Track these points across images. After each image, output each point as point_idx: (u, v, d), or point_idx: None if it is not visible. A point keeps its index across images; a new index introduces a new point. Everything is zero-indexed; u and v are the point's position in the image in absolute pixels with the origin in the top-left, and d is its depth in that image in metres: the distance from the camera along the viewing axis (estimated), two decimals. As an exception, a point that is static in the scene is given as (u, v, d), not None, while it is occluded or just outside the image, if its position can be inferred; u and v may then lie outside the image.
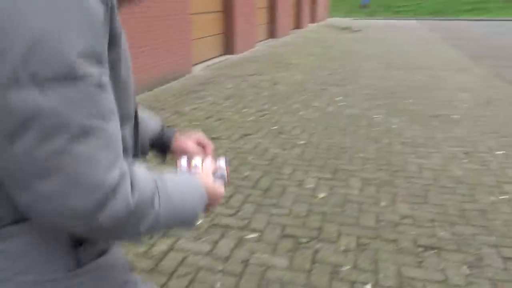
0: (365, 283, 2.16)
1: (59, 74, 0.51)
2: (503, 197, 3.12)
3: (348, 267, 2.29)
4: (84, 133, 0.53)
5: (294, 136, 4.42)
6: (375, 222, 2.75)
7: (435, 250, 2.45)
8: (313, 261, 2.34)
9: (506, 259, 2.38)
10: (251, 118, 5.00)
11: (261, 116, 5.09)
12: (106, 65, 0.57)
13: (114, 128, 0.58)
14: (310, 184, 3.30)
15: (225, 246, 2.48)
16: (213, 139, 4.24)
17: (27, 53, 0.49)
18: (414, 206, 2.96)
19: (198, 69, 7.97)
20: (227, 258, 2.36)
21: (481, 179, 3.42)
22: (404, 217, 2.82)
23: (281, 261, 2.34)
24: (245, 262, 2.32)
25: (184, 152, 1.03)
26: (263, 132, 4.52)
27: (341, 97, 6.14)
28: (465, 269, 2.29)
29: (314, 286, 2.14)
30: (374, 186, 3.28)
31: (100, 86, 0.55)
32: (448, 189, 3.24)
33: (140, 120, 0.89)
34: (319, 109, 5.50)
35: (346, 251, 2.44)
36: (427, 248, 2.48)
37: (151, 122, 1.04)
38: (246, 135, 4.42)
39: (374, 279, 2.19)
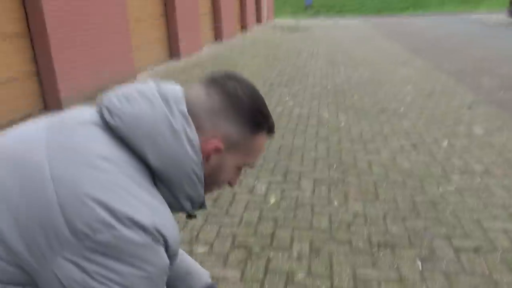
0: (321, 290, 2.08)
1: None
2: (450, 187, 3.16)
3: (302, 274, 2.20)
4: None
5: (243, 139, 4.31)
6: (328, 223, 2.69)
7: (389, 247, 2.42)
8: (266, 271, 2.23)
9: (457, 250, 2.38)
10: (198, 124, 4.84)
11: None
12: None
13: None
14: (261, 189, 3.20)
15: (172, 263, 2.32)
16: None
17: None
18: (366, 204, 2.93)
19: (142, 77, 7.70)
20: (175, 277, 2.21)
21: (429, 170, 3.46)
22: (356, 215, 2.78)
23: (233, 273, 2.22)
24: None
25: None
26: (211, 138, 4.38)
27: (289, 97, 6.11)
28: (418, 264, 2.26)
29: (268, 298, 2.03)
30: (326, 186, 3.22)
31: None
32: (398, 183, 3.24)
33: (189, 270, 1.16)
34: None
35: (300, 257, 2.35)
36: (380, 246, 2.44)
37: (200, 274, 1.18)
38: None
39: (329, 284, 2.12)
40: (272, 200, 3.00)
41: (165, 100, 0.77)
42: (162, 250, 0.73)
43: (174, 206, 0.82)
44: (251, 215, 2.80)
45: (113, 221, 0.65)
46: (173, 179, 0.77)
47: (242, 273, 2.21)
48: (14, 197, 0.68)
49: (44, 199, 0.66)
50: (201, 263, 2.29)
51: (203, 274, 1.19)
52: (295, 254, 2.37)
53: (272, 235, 2.57)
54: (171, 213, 0.78)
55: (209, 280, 1.19)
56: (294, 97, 6.12)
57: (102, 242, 0.65)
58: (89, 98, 5.87)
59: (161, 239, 0.72)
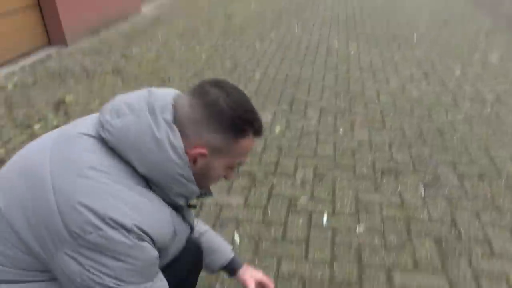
0: (322, 213, 2.11)
1: None
2: (459, 115, 3.10)
3: (305, 199, 2.23)
4: None
5: (249, 70, 4.22)
6: (333, 151, 2.68)
7: (393, 174, 2.42)
8: (270, 197, 2.26)
9: (461, 176, 2.38)
10: (204, 56, 4.74)
11: (214, 51, 4.84)
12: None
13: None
14: (266, 118, 3.17)
15: (177, 189, 2.36)
16: (164, 80, 4.00)
17: None
18: (372, 132, 2.90)
19: (147, 8, 7.46)
20: (180, 202, 2.26)
21: (439, 99, 3.38)
22: (362, 143, 2.76)
23: (236, 199, 2.26)
24: (199, 203, 2.23)
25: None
26: (217, 69, 4.30)
27: (299, 26, 5.90)
28: (421, 190, 2.27)
29: (271, 221, 2.08)
30: (332, 115, 3.18)
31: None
32: (406, 111, 3.18)
33: (213, 248, 1.32)
34: (276, 40, 5.26)
35: (303, 183, 2.37)
36: (384, 172, 2.44)
37: (222, 251, 1.33)
38: (199, 73, 4.20)
39: (331, 208, 2.15)
40: (277, 129, 2.99)
41: (152, 109, 0.86)
42: (147, 245, 0.84)
43: (170, 202, 0.93)
44: (256, 144, 2.80)
45: (99, 223, 0.79)
46: (161, 182, 0.87)
47: (246, 199, 2.25)
48: (27, 204, 0.84)
49: (47, 206, 0.81)
50: (205, 189, 2.33)
51: (227, 248, 1.35)
52: (298, 180, 2.39)
53: (276, 163, 2.58)
54: (163, 210, 0.89)
55: (232, 255, 1.35)
56: (303, 26, 5.91)
57: (92, 240, 0.79)
58: (94, 32, 5.74)
59: (145, 237, 0.83)
